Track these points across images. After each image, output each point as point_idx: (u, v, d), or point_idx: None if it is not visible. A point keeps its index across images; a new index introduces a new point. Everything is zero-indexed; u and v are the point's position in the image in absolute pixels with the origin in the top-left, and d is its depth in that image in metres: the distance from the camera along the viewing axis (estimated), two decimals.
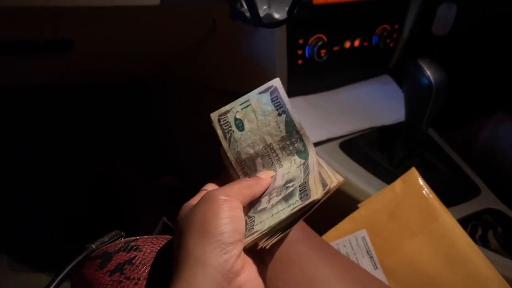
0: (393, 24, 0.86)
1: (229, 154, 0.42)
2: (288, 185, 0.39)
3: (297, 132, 0.41)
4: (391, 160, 0.77)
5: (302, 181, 0.38)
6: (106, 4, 0.55)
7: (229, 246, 0.34)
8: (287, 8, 0.57)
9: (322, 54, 0.77)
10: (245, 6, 0.57)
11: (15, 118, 1.12)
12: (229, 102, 0.42)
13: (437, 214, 0.55)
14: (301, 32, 0.74)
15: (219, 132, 0.42)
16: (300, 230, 0.48)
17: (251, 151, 0.42)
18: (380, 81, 0.93)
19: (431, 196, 0.57)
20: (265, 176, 0.41)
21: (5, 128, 1.10)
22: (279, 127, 0.41)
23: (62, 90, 1.10)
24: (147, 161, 1.15)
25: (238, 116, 0.41)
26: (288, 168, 0.41)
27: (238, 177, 0.42)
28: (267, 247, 0.35)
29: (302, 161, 0.41)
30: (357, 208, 0.62)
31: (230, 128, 0.42)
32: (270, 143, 0.41)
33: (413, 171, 0.59)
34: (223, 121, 0.42)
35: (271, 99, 0.41)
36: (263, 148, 0.42)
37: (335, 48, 0.80)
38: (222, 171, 0.43)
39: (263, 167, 0.42)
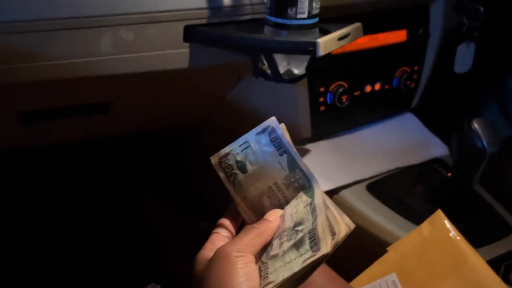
0: (412, 66, 0.88)
1: (235, 198, 0.42)
2: (298, 228, 0.39)
3: (300, 169, 0.41)
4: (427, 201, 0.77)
5: (311, 227, 0.38)
6: (142, 70, 0.60)
7: None
8: (305, 64, 0.61)
9: (344, 100, 0.80)
10: (266, 64, 0.62)
11: (53, 175, 1.17)
12: None
13: (466, 256, 0.55)
14: (322, 80, 0.78)
15: (222, 175, 0.42)
16: (330, 280, 0.49)
17: (257, 191, 0.42)
18: (404, 119, 0.94)
19: (458, 238, 0.57)
20: (273, 217, 0.41)
21: (45, 185, 1.14)
22: (282, 167, 0.41)
23: (97, 144, 1.15)
24: (184, 207, 1.18)
25: (239, 158, 0.41)
26: (296, 206, 0.41)
27: (247, 215, 0.43)
28: None
29: (309, 200, 0.40)
30: (386, 251, 0.63)
31: (233, 171, 0.42)
32: (275, 182, 0.41)
33: (439, 213, 0.60)
34: (224, 164, 0.42)
35: (270, 140, 0.41)
36: (269, 188, 0.42)
37: (356, 93, 0.82)
38: (231, 204, 0.44)
39: (271, 205, 0.42)
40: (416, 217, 0.72)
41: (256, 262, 0.38)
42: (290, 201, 0.41)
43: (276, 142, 0.41)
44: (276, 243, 0.39)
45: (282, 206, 0.42)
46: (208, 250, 0.39)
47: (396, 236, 0.69)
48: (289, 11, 0.55)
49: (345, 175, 0.78)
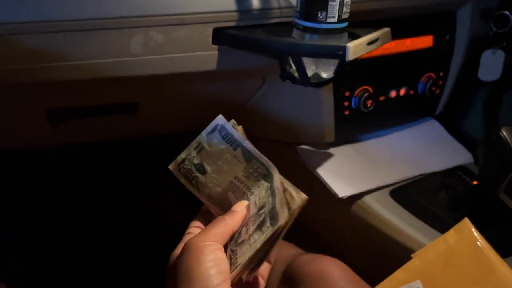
0: (438, 72, 0.87)
1: (202, 199, 0.44)
2: (260, 212, 0.40)
3: (257, 159, 0.42)
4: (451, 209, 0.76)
5: (271, 207, 0.40)
6: (171, 71, 0.61)
7: None
8: (333, 68, 0.61)
9: (368, 105, 0.80)
10: (294, 67, 0.62)
11: (54, 175, 1.18)
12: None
13: (493, 266, 0.55)
14: (347, 85, 0.78)
15: (184, 181, 0.44)
16: (355, 284, 0.50)
17: (220, 189, 0.43)
18: (427, 126, 0.94)
19: (485, 247, 0.56)
20: (240, 208, 0.42)
21: (46, 185, 1.14)
22: (238, 160, 0.42)
23: (100, 146, 1.15)
24: (200, 204, 1.18)
25: (196, 161, 0.43)
26: (258, 193, 0.42)
27: (216, 211, 0.44)
28: (250, 279, 0.38)
29: (269, 184, 0.42)
30: (410, 258, 0.62)
31: (193, 175, 0.43)
32: (235, 176, 0.43)
33: (466, 222, 0.59)
34: (183, 170, 0.44)
35: (222, 137, 0.42)
36: (231, 183, 0.43)
37: (381, 98, 0.82)
38: (203, 205, 0.45)
39: (236, 198, 0.43)
40: (440, 224, 0.72)
41: (227, 252, 0.39)
42: (253, 191, 0.43)
43: (228, 138, 0.42)
44: (243, 230, 0.41)
45: (247, 197, 0.43)
46: (179, 249, 0.40)
47: (420, 243, 0.69)
48: (319, 15, 0.55)
49: (368, 180, 0.78)
